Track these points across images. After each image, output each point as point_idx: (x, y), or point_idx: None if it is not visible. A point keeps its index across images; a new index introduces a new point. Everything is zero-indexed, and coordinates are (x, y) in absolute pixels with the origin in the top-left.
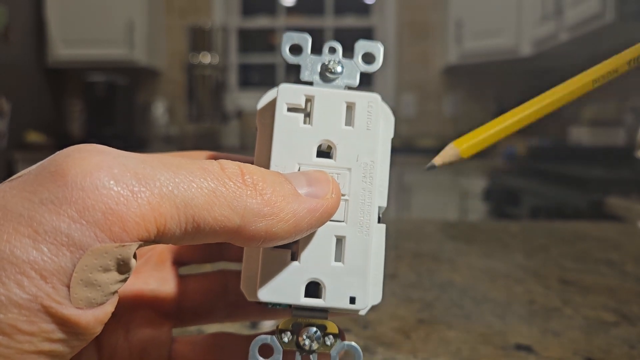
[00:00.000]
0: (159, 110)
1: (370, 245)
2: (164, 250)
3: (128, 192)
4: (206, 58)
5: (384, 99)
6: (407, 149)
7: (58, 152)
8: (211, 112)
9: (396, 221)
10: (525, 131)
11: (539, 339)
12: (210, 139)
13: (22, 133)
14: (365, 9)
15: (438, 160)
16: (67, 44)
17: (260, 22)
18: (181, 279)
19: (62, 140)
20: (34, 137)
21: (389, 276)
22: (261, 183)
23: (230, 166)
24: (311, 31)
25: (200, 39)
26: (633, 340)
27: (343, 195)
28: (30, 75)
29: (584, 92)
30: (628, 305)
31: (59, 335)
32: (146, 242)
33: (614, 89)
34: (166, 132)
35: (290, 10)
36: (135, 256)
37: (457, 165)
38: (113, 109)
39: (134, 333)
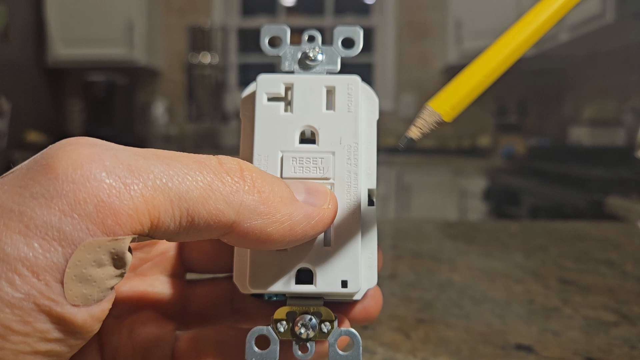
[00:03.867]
0: (159, 110)
1: (358, 227)
2: (173, 256)
3: (120, 184)
4: (206, 58)
5: (384, 98)
6: (407, 149)
7: (50, 145)
8: (211, 112)
9: (396, 221)
10: (524, 131)
11: (539, 339)
12: (210, 139)
13: (21, 133)
14: (365, 9)
15: (415, 132)
16: (67, 44)
17: (260, 22)
18: (188, 283)
19: (62, 140)
20: (33, 136)
21: (389, 276)
22: (259, 181)
23: (229, 161)
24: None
25: (200, 38)
26: (633, 340)
27: (328, 179)
28: (30, 75)
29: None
30: (628, 305)
31: (55, 334)
32: (140, 235)
33: (614, 89)
34: (166, 132)
35: (290, 10)
36: (130, 250)
37: (457, 165)
38: (113, 108)
39: (137, 332)
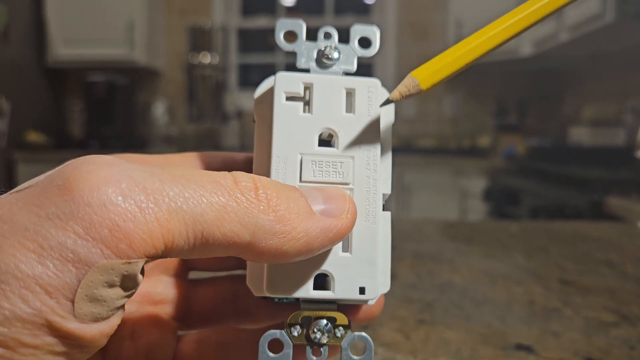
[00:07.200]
0: (159, 110)
1: (377, 234)
2: None
3: (136, 208)
4: (206, 58)
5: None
6: (407, 149)
7: (66, 163)
8: (211, 112)
9: (396, 221)
10: (524, 131)
11: (539, 340)
12: (210, 139)
13: (22, 133)
14: (365, 9)
15: (395, 94)
16: (67, 44)
17: (260, 22)
18: (190, 283)
19: (62, 140)
20: (33, 137)
21: None
22: (275, 199)
23: (244, 180)
24: (311, 31)
25: (200, 39)
26: (633, 340)
27: (347, 184)
28: (30, 75)
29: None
30: (628, 306)
31: (63, 348)
32: (153, 257)
33: (614, 89)
34: (166, 132)
35: (290, 10)
36: (142, 272)
37: (457, 166)
38: (113, 109)
39: (140, 335)
